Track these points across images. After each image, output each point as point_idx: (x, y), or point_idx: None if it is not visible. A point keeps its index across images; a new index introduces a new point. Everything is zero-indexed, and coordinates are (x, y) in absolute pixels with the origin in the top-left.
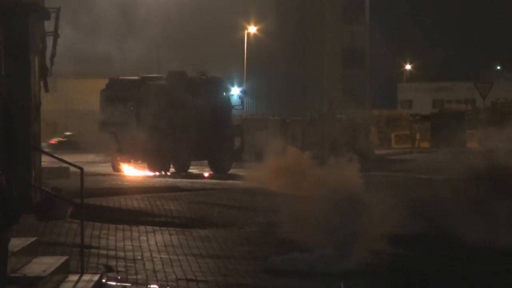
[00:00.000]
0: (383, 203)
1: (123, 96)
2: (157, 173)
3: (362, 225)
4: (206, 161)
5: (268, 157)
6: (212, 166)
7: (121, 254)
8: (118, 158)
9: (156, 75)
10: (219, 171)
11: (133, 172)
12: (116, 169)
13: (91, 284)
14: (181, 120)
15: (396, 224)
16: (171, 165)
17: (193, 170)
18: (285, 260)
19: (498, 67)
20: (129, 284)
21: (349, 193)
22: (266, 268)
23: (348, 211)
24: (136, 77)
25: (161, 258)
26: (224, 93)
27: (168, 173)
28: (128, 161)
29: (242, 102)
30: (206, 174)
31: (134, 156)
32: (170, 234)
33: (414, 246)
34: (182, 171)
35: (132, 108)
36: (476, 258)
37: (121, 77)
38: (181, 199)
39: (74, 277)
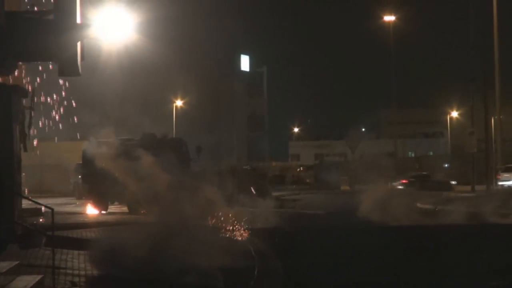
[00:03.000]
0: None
1: (103, 153)
2: (103, 212)
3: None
4: None
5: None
6: None
7: (83, 273)
8: (94, 200)
9: (129, 137)
10: None
11: (91, 210)
12: (96, 208)
13: None
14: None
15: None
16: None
17: None
18: None
19: (363, 129)
20: None
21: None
22: None
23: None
24: (110, 139)
25: None
26: (184, 149)
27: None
28: (103, 202)
29: (198, 156)
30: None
31: (111, 199)
32: None
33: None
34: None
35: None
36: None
37: (98, 139)
38: (127, 230)
39: None
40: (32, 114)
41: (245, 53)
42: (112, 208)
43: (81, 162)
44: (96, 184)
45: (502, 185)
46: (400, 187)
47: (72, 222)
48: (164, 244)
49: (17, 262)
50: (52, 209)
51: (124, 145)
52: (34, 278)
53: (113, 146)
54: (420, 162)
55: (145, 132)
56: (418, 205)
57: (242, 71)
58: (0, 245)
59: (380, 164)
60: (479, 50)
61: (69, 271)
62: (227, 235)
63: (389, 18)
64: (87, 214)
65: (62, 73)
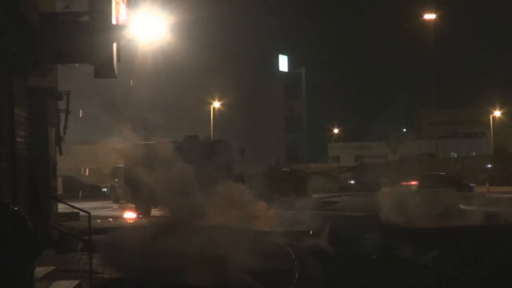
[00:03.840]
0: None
1: (146, 156)
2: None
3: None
4: None
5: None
6: None
7: (120, 277)
8: (136, 204)
9: (171, 139)
10: None
11: (129, 214)
12: (141, 213)
13: None
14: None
15: None
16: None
17: None
18: None
19: (404, 130)
20: None
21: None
22: None
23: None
24: (153, 142)
25: None
26: (227, 151)
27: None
28: (145, 206)
29: (241, 158)
30: None
31: (154, 202)
32: None
33: None
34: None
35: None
36: None
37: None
38: (165, 234)
39: None
40: (68, 117)
41: (284, 54)
42: (155, 212)
43: (120, 165)
44: (139, 188)
45: None
46: None
47: (108, 226)
48: (202, 247)
49: (53, 267)
50: (89, 213)
51: (167, 148)
52: (71, 283)
53: (156, 149)
54: (462, 163)
55: (187, 134)
56: (461, 206)
57: (280, 71)
58: (36, 250)
59: (419, 165)
60: None
61: (106, 276)
62: (268, 238)
63: (429, 16)
64: (125, 218)
65: (98, 75)
